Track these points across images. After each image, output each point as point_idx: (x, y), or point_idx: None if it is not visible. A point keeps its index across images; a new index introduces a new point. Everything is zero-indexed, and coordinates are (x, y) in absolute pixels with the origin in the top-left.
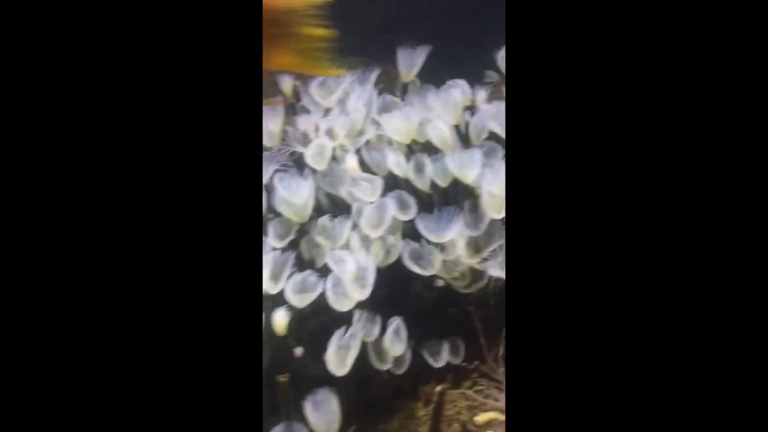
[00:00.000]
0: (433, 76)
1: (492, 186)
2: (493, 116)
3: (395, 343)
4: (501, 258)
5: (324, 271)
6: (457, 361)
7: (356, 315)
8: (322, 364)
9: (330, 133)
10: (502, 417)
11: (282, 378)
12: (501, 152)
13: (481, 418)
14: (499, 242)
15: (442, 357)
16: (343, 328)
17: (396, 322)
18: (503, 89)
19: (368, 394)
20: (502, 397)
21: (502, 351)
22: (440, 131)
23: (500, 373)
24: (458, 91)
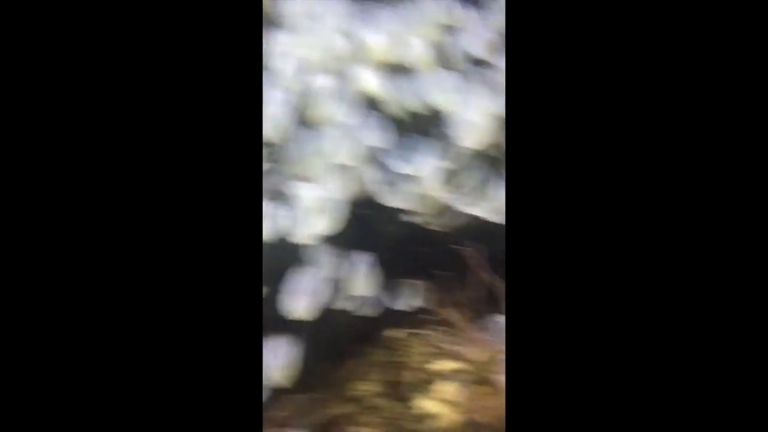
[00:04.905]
0: None
1: (469, 114)
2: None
3: (362, 282)
4: (480, 194)
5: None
6: (419, 303)
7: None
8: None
9: None
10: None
11: None
12: (480, 76)
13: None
14: (477, 176)
15: (404, 299)
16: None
17: (365, 260)
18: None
19: (328, 337)
20: (459, 343)
21: (468, 297)
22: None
23: (458, 319)
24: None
